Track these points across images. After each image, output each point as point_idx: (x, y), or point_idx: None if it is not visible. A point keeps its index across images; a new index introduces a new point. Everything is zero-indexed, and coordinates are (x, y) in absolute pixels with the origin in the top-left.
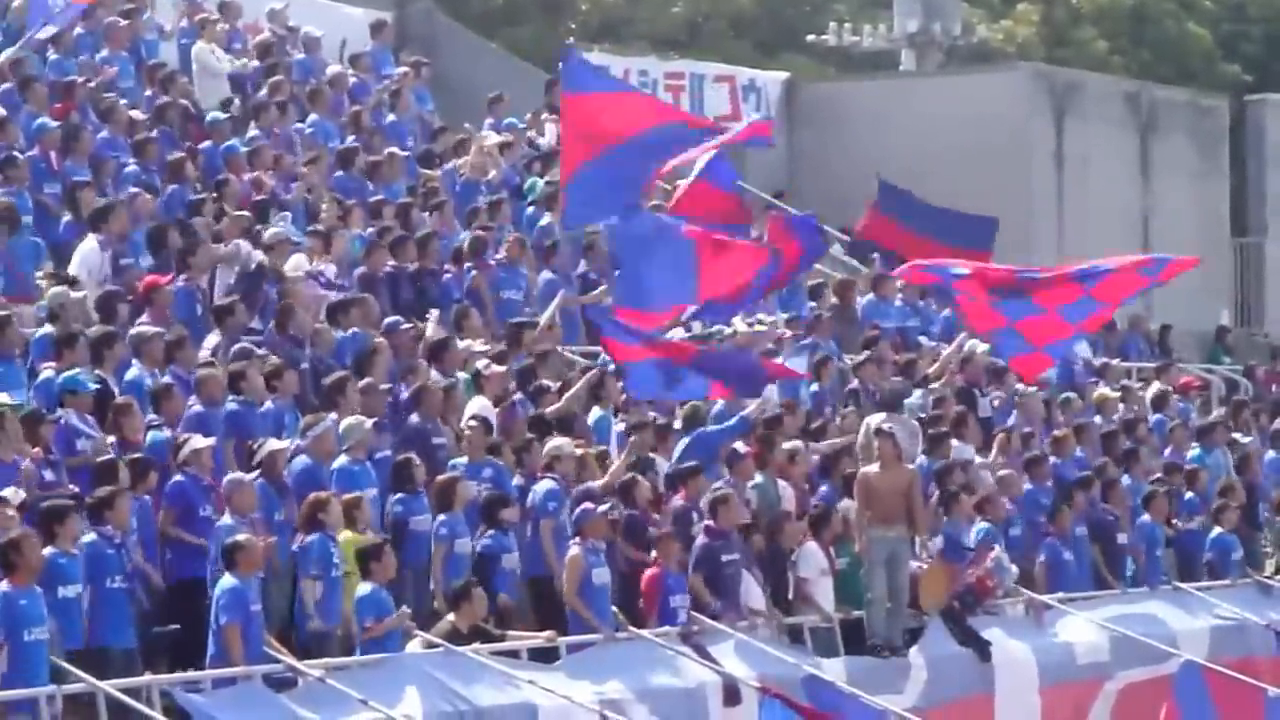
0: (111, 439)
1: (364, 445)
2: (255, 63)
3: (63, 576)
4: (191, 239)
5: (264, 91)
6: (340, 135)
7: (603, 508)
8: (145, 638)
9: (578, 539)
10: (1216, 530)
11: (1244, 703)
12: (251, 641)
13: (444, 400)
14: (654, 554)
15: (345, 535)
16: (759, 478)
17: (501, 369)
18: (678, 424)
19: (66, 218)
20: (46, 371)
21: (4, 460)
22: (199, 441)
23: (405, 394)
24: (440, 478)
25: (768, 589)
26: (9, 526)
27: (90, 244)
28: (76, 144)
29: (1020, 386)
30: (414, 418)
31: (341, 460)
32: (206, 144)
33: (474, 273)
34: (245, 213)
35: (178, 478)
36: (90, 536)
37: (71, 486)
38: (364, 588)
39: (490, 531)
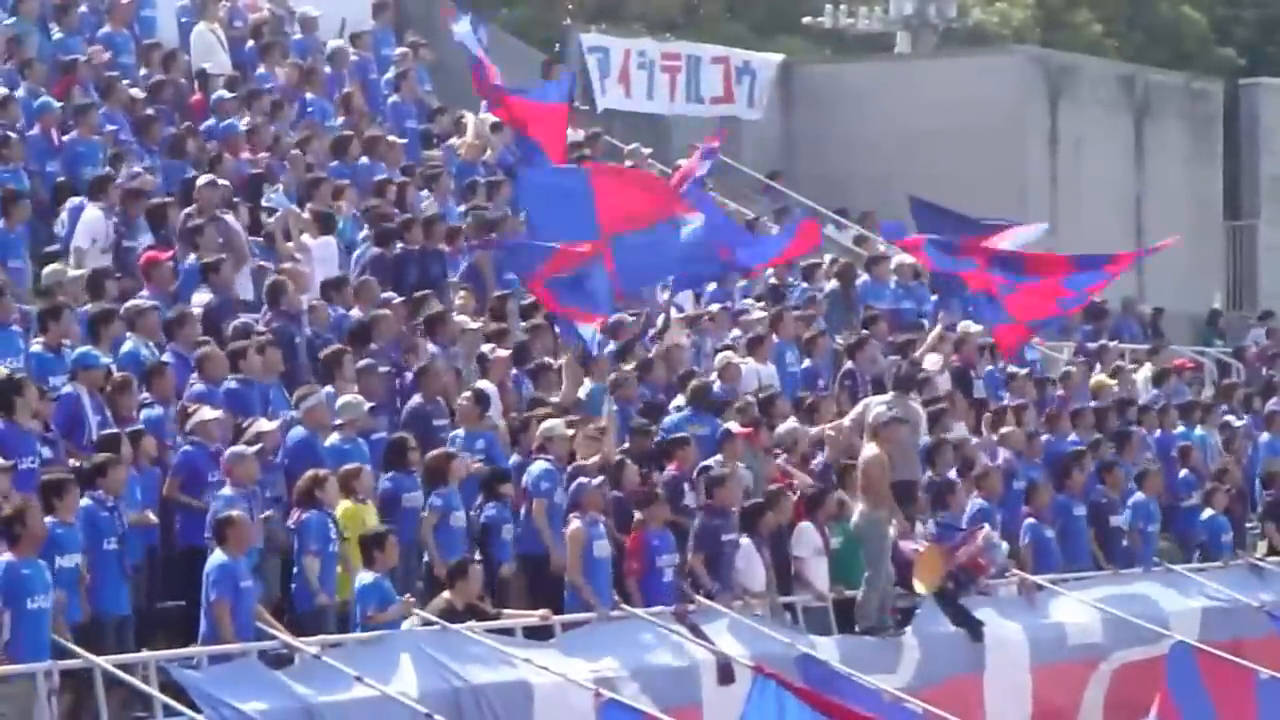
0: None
1: (357, 424)
2: (251, 42)
3: (61, 546)
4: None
5: (260, 71)
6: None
7: (597, 480)
8: (148, 610)
9: (576, 513)
10: (1208, 512)
11: (1235, 684)
12: (242, 618)
13: (446, 381)
14: (637, 515)
15: (344, 505)
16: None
17: (506, 353)
18: (681, 401)
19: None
20: (36, 346)
21: (21, 426)
22: (206, 412)
23: (406, 374)
24: (432, 453)
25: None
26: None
27: (93, 212)
28: (83, 119)
29: (1014, 368)
30: (416, 398)
31: (334, 438)
32: (209, 122)
33: (477, 252)
34: (225, 182)
35: (185, 448)
36: (85, 501)
37: (72, 461)
38: (366, 576)
39: (491, 503)
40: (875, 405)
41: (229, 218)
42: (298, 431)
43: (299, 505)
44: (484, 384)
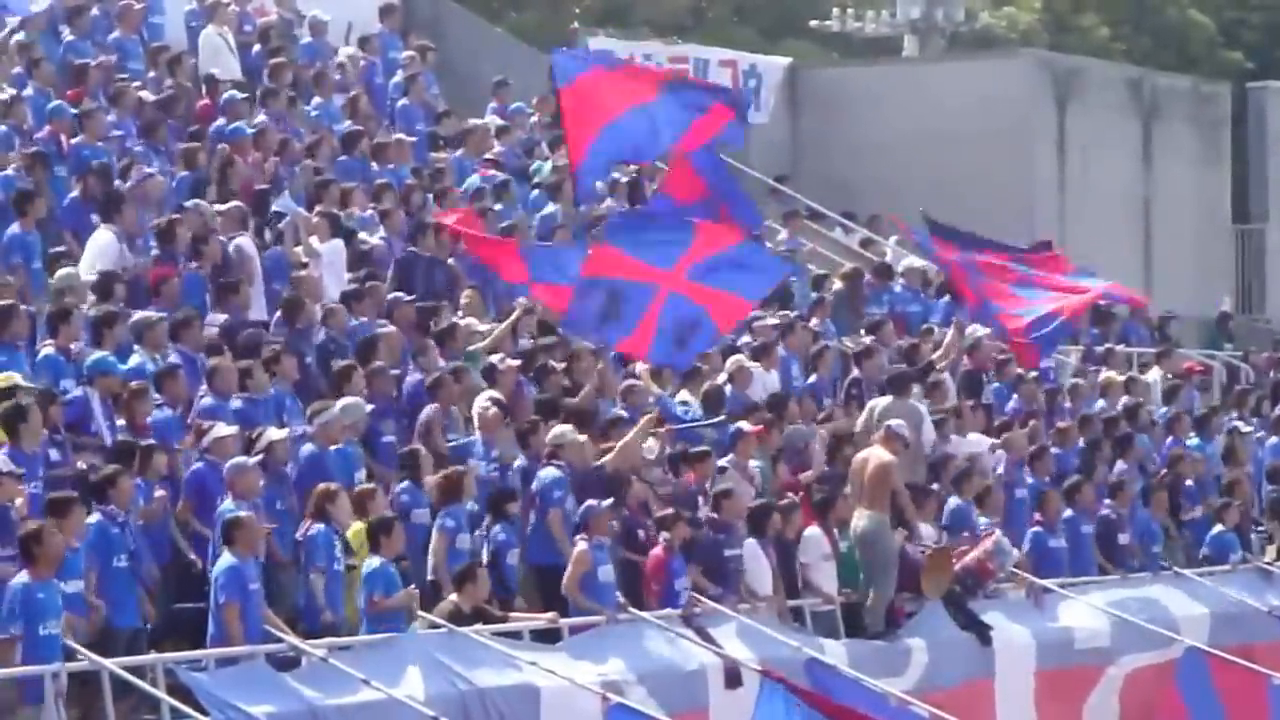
0: (121, 421)
1: (357, 428)
2: (259, 46)
3: (66, 571)
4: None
5: (270, 76)
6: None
7: (606, 503)
8: (164, 613)
9: (584, 535)
10: (1218, 528)
11: (1247, 689)
12: (250, 620)
13: (457, 388)
14: (662, 535)
15: (356, 527)
16: (757, 460)
17: (515, 364)
18: (696, 409)
19: (74, 194)
20: (46, 349)
21: (25, 451)
22: (222, 429)
23: (413, 376)
24: (446, 471)
25: (778, 575)
26: (14, 496)
27: (106, 236)
28: (90, 122)
29: (1020, 372)
30: (429, 409)
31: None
32: (219, 122)
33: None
34: (239, 203)
35: (197, 466)
36: (94, 517)
37: (80, 465)
38: (373, 561)
39: (499, 525)
40: (880, 408)
41: (242, 240)
42: (308, 447)
43: (310, 518)
44: (496, 394)
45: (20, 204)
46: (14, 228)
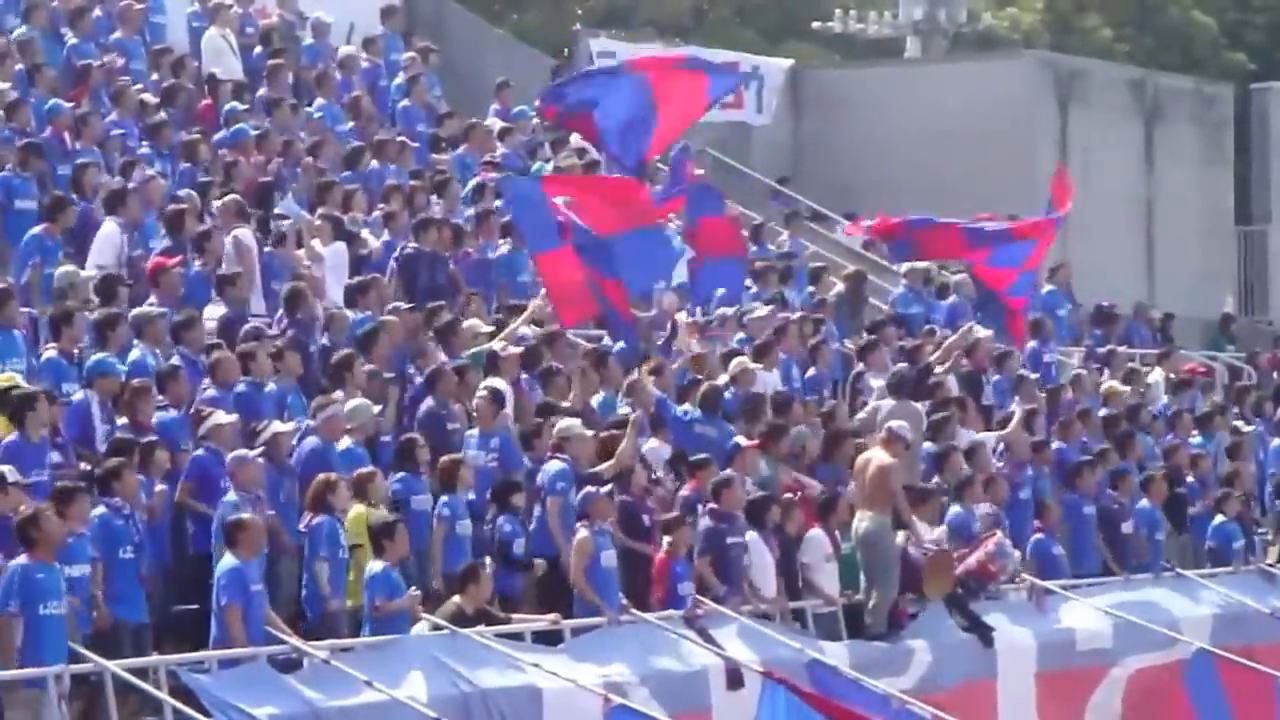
0: (124, 420)
1: (366, 428)
2: (261, 47)
3: (70, 557)
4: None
5: (267, 77)
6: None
7: (605, 489)
8: (163, 614)
9: (585, 521)
10: (1219, 518)
11: (1256, 691)
12: (253, 622)
13: (458, 383)
14: (666, 539)
15: (357, 510)
16: (763, 467)
17: (518, 350)
18: (696, 410)
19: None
20: (49, 351)
21: (32, 440)
22: (221, 417)
23: (416, 376)
24: (444, 459)
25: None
26: (18, 505)
27: (109, 228)
28: (85, 128)
29: (1023, 372)
30: (429, 402)
31: (346, 442)
32: (221, 134)
33: (451, 265)
34: (236, 196)
35: (198, 452)
36: (99, 510)
37: (83, 465)
38: (376, 566)
39: (504, 516)
40: (883, 410)
41: (243, 232)
42: (312, 440)
43: (311, 509)
44: (497, 382)
45: (52, 210)
46: (38, 229)
